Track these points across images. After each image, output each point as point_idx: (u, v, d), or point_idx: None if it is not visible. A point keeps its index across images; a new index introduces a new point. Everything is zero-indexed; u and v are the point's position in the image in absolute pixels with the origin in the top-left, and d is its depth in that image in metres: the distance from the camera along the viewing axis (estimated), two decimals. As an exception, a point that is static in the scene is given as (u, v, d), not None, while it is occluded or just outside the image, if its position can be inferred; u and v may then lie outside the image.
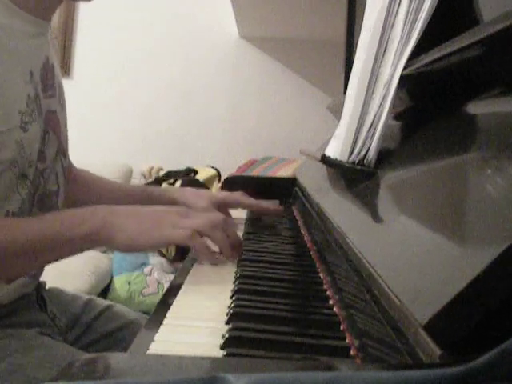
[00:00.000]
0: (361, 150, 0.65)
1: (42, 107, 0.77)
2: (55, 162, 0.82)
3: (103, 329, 0.90)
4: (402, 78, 0.60)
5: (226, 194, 1.02)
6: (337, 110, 1.02)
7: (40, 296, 0.85)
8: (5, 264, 0.66)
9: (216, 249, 0.71)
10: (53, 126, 0.81)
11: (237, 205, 0.99)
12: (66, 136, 0.89)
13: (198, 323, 0.51)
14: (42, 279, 0.89)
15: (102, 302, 0.96)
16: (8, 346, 0.71)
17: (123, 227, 0.66)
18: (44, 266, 0.83)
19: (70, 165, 0.99)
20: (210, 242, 0.70)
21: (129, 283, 2.03)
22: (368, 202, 0.60)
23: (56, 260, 0.70)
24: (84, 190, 1.00)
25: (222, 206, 0.95)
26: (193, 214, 0.71)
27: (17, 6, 0.72)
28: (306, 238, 0.85)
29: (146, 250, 0.70)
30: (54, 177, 0.82)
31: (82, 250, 0.69)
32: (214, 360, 0.36)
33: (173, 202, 0.96)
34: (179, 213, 0.70)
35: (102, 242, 0.67)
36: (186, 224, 0.67)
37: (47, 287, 0.91)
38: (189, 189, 1.03)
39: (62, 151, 0.85)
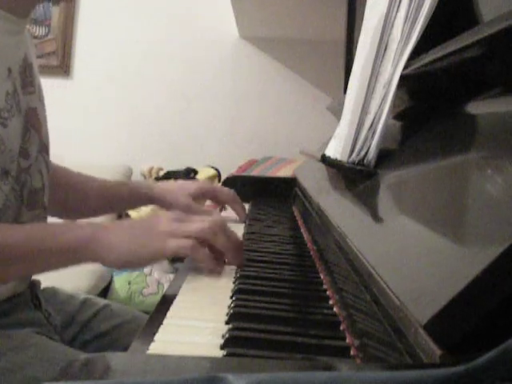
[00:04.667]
0: (361, 149, 0.65)
1: (21, 103, 0.77)
2: (38, 160, 0.82)
3: (100, 328, 0.90)
4: (402, 78, 0.60)
5: (200, 184, 1.01)
6: (337, 110, 1.02)
7: (35, 295, 0.85)
8: None
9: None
10: (33, 123, 0.81)
11: (213, 195, 0.99)
12: (47, 134, 0.89)
13: (197, 323, 0.51)
14: (39, 278, 0.88)
15: (99, 301, 0.95)
16: (3, 345, 0.71)
17: (114, 244, 0.64)
18: (31, 274, 0.83)
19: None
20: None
21: (129, 283, 2.03)
22: (368, 202, 0.60)
23: (39, 271, 0.70)
24: (62, 186, 0.99)
25: (200, 197, 0.96)
26: (189, 218, 0.67)
27: None
28: (306, 238, 0.85)
29: (146, 265, 0.68)
30: (38, 174, 0.82)
31: (65, 264, 0.68)
32: (213, 360, 0.36)
33: (150, 199, 0.95)
34: (174, 219, 0.66)
35: (88, 256, 0.66)
36: (185, 232, 0.64)
37: (42, 287, 0.91)
38: (166, 185, 1.01)
39: (45, 149, 0.85)
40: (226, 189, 1.01)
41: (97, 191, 1.00)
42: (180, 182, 1.03)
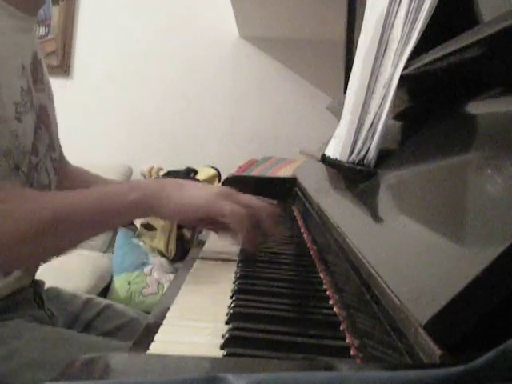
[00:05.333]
0: (361, 149, 0.65)
1: (34, 100, 0.78)
2: (46, 157, 0.83)
3: (102, 328, 0.90)
4: (402, 78, 0.60)
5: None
6: (337, 110, 1.02)
7: (38, 294, 0.85)
8: (55, 236, 0.66)
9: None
10: (44, 121, 0.82)
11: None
12: (57, 131, 0.89)
13: (197, 323, 0.51)
14: (41, 279, 0.89)
15: (101, 301, 0.96)
16: (2, 334, 0.72)
17: (172, 196, 0.67)
18: (51, 257, 0.84)
19: (65, 162, 0.99)
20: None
21: (129, 283, 2.03)
22: (368, 202, 0.60)
23: (104, 230, 0.72)
24: (78, 187, 1.00)
25: None
26: (238, 194, 0.71)
27: (5, 2, 0.73)
28: (306, 238, 0.85)
29: (199, 216, 0.69)
30: (44, 172, 0.83)
31: (130, 218, 0.70)
32: (213, 360, 0.36)
33: None
34: (226, 189, 0.71)
35: (151, 208, 0.68)
36: (238, 200, 0.68)
37: (46, 287, 0.91)
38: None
39: (52, 147, 0.86)
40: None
41: None
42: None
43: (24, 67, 0.76)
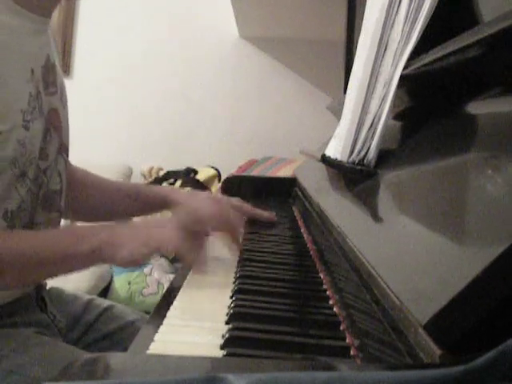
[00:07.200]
0: (361, 149, 0.65)
1: (43, 105, 0.76)
2: (57, 161, 0.82)
3: (104, 329, 0.90)
4: (402, 78, 0.60)
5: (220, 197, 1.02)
6: (337, 110, 1.02)
7: (40, 296, 0.85)
8: (9, 274, 0.67)
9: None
10: (54, 124, 0.81)
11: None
12: (68, 134, 0.89)
13: (197, 323, 0.51)
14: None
15: (103, 303, 0.95)
16: (6, 346, 0.71)
17: (123, 245, 0.67)
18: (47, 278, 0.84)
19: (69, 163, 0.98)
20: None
21: (129, 283, 2.03)
22: (368, 202, 0.60)
23: (59, 274, 0.71)
24: (80, 188, 0.99)
25: None
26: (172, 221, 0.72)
27: (17, 5, 0.72)
28: (306, 238, 0.85)
29: (145, 262, 0.71)
30: (56, 175, 0.82)
31: (84, 267, 0.71)
32: (213, 360, 0.36)
33: (166, 201, 0.96)
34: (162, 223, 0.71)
35: (103, 259, 0.68)
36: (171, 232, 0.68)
37: (47, 287, 0.91)
38: (184, 190, 1.03)
39: (64, 149, 0.85)
40: (243, 205, 1.00)
41: (118, 196, 1.00)
42: (200, 192, 1.05)
43: (33, 72, 0.74)
